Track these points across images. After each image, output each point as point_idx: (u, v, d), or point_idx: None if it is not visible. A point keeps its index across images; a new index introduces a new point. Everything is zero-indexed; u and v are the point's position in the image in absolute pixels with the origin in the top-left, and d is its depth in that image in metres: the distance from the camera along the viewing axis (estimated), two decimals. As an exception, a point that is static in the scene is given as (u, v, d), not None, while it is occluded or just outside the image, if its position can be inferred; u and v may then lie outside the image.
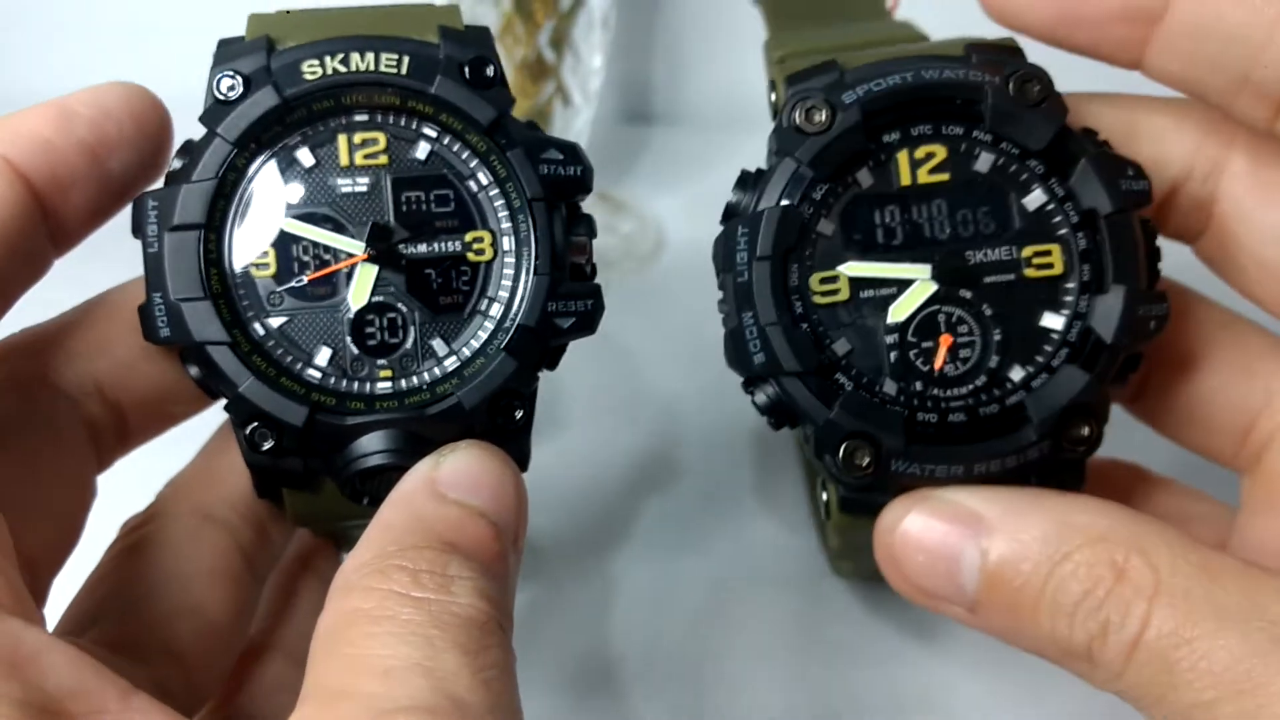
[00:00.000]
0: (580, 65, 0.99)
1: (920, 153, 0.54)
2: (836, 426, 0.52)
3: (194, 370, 0.52)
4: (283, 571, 0.62)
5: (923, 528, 0.50)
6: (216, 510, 0.55)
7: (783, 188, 0.53)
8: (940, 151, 0.54)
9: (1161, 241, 0.54)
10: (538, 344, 0.52)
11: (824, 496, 0.59)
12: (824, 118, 0.53)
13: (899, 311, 0.54)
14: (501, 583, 0.45)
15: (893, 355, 0.54)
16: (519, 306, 0.52)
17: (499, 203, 0.53)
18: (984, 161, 0.54)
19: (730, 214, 0.55)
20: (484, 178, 0.53)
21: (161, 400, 0.55)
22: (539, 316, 0.52)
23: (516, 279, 0.53)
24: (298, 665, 0.57)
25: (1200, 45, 0.49)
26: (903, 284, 0.54)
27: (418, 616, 0.41)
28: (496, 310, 0.53)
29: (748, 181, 0.55)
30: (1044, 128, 0.53)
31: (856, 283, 0.54)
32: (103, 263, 0.55)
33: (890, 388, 0.54)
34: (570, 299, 0.52)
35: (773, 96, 0.59)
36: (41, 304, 0.54)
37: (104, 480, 0.55)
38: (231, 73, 0.51)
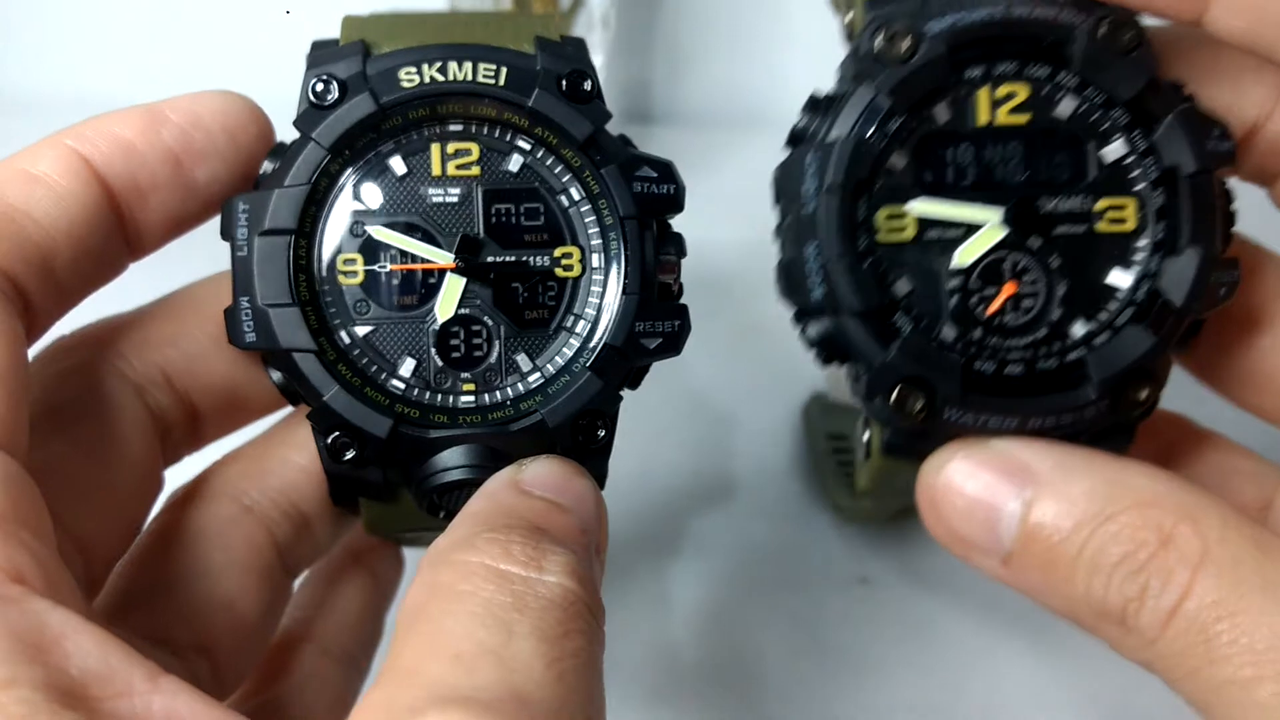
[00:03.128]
0: (580, 64, 0.98)
1: (1001, 91, 0.51)
2: (892, 370, 0.50)
3: (276, 376, 0.50)
4: (328, 563, 0.61)
5: (968, 474, 0.49)
6: (258, 503, 0.53)
7: (857, 117, 0.50)
8: (1022, 91, 0.51)
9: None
10: (623, 364, 0.51)
11: (865, 436, 0.56)
12: (907, 46, 0.50)
13: (965, 255, 0.51)
14: (591, 568, 0.44)
15: (954, 300, 0.51)
16: (606, 325, 0.51)
17: (590, 219, 0.51)
18: (1066, 106, 0.51)
19: (797, 139, 0.52)
20: (576, 193, 0.51)
21: (234, 396, 0.53)
22: (626, 336, 0.51)
23: (604, 297, 0.51)
24: (331, 659, 0.57)
25: (1269, 2, 0.46)
26: (971, 227, 0.51)
27: (500, 596, 0.40)
28: (583, 328, 0.52)
29: (818, 106, 0.52)
30: (1133, 77, 0.50)
31: (924, 222, 0.51)
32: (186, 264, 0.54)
33: (949, 333, 0.52)
34: (658, 319, 0.51)
35: (847, 18, 0.55)
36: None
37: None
38: (327, 77, 0.49)
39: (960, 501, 0.49)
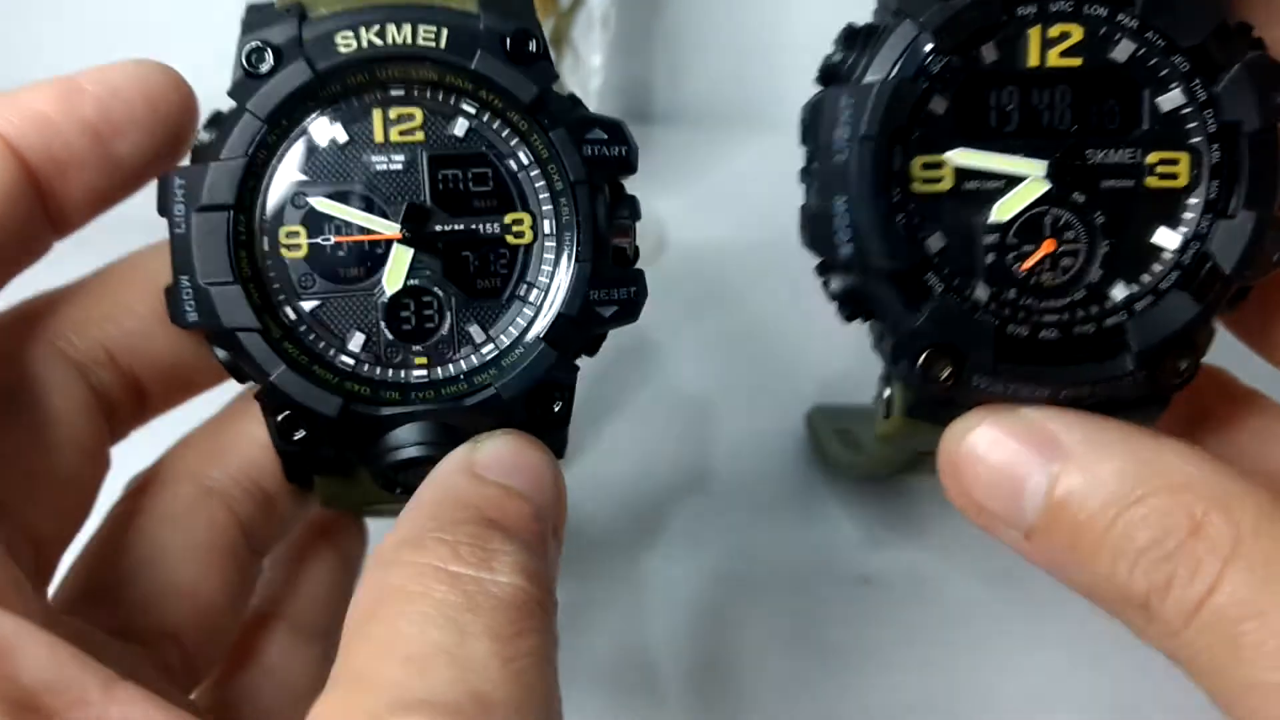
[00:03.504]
0: (580, 64, 0.97)
1: (1055, 31, 0.47)
2: (921, 335, 0.47)
3: (221, 354, 0.48)
4: (294, 541, 0.60)
5: (993, 442, 0.46)
6: (219, 482, 0.52)
7: (897, 56, 0.47)
8: (1077, 32, 0.47)
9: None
10: (579, 333, 0.49)
11: (887, 393, 0.53)
12: None
13: (1004, 210, 0.48)
14: (544, 562, 0.42)
15: (989, 257, 0.48)
16: (559, 294, 0.49)
17: (540, 184, 0.50)
18: (1123, 49, 0.48)
19: (829, 76, 0.49)
20: (525, 157, 0.50)
21: (180, 370, 0.52)
22: (580, 305, 0.49)
23: (557, 264, 0.50)
24: (304, 636, 0.56)
25: None
26: (1013, 179, 0.48)
27: (452, 596, 0.38)
28: (536, 296, 0.50)
29: (854, 39, 0.48)
30: (1200, 21, 0.46)
31: (962, 173, 0.48)
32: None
33: (982, 293, 0.48)
34: (613, 286, 0.49)
35: None
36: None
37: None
38: (261, 43, 0.47)
39: (984, 471, 0.47)
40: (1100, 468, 0.44)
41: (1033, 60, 0.48)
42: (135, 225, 0.51)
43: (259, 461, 0.53)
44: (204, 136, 0.48)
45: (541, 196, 0.50)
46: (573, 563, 0.73)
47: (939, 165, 0.48)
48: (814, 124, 0.49)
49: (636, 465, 0.79)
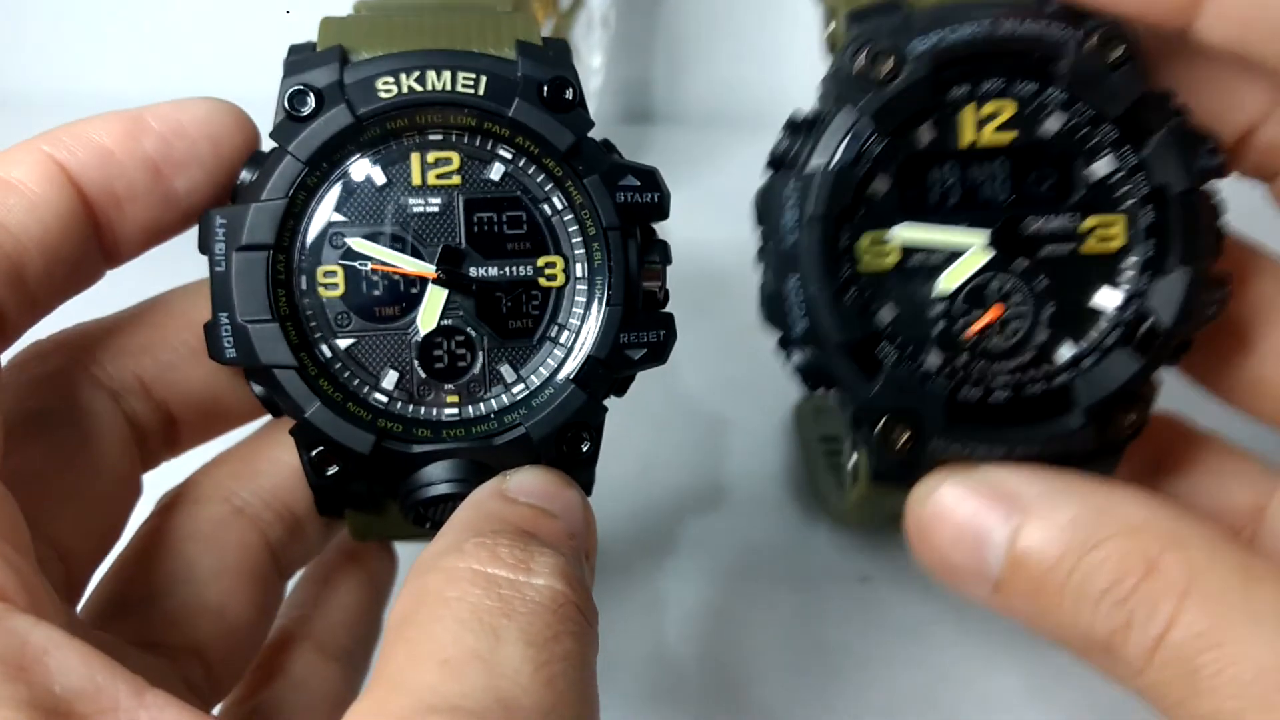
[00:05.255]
0: (580, 64, 0.96)
1: (987, 109, 0.50)
2: (877, 403, 0.49)
3: (258, 389, 0.49)
4: (323, 562, 0.60)
5: (955, 501, 0.48)
6: (249, 504, 0.53)
7: (838, 143, 0.49)
8: (1009, 109, 0.50)
9: (1226, 181, 0.51)
10: (608, 375, 0.50)
11: (852, 460, 0.55)
12: (890, 67, 0.48)
13: (950, 280, 0.50)
14: (581, 570, 0.43)
15: (939, 325, 0.50)
16: (590, 336, 0.50)
17: (573, 228, 0.50)
18: (1054, 123, 0.50)
19: (777, 162, 0.51)
20: (559, 202, 0.50)
21: (212, 405, 0.53)
22: (610, 347, 0.49)
23: (588, 307, 0.50)
24: (329, 656, 0.56)
25: (1260, 11, 0.45)
26: (956, 250, 0.50)
27: (487, 601, 0.39)
28: (566, 338, 0.50)
29: (799, 128, 0.50)
30: (1124, 93, 0.48)
31: (907, 248, 0.50)
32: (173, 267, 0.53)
33: (934, 360, 0.50)
34: (642, 329, 0.50)
35: (829, 28, 0.53)
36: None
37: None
38: (303, 87, 0.48)
39: (948, 530, 0.48)
40: (1057, 518, 0.46)
41: (968, 138, 0.50)
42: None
43: (290, 486, 0.53)
44: (245, 176, 0.49)
45: (574, 241, 0.50)
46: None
47: (885, 242, 0.50)
48: (765, 209, 0.51)
49: (636, 464, 0.79)
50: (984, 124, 0.50)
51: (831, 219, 0.49)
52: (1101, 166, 0.50)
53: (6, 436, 0.42)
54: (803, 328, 0.50)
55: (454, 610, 0.39)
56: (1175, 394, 0.55)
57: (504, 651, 0.38)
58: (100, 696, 0.36)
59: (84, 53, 1.06)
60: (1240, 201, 0.53)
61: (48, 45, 1.08)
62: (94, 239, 0.48)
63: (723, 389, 0.83)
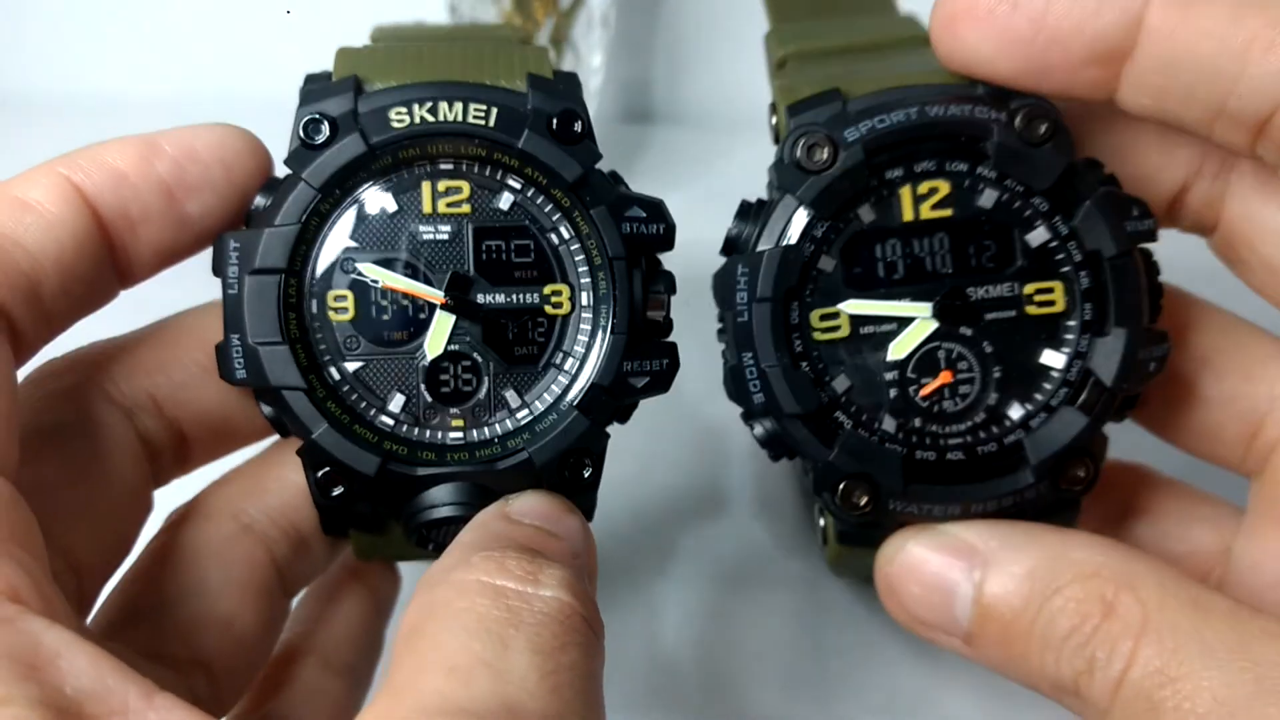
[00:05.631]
0: (580, 64, 0.96)
1: (923, 188, 0.52)
2: (835, 468, 0.51)
3: (267, 410, 0.50)
4: (328, 578, 0.61)
5: (919, 560, 0.50)
6: (257, 522, 0.53)
7: (783, 226, 0.51)
8: (944, 187, 0.52)
9: (1171, 235, 0.53)
10: (611, 403, 0.51)
11: (821, 523, 0.57)
12: (826, 155, 0.50)
13: (899, 349, 0.52)
14: (586, 584, 0.44)
15: (892, 392, 0.52)
16: (594, 364, 0.51)
17: (579, 258, 0.51)
18: (988, 198, 0.52)
19: (730, 246, 0.53)
20: (566, 232, 0.51)
21: (223, 424, 0.53)
22: (614, 376, 0.50)
23: (593, 335, 0.51)
24: (332, 671, 0.57)
25: (1172, 79, 0.47)
26: (903, 321, 0.52)
27: (495, 611, 0.40)
28: (571, 365, 0.51)
29: (748, 213, 0.53)
30: (1050, 167, 0.50)
31: (857, 320, 0.52)
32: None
33: (889, 424, 0.52)
34: (646, 358, 0.51)
35: (774, 120, 0.56)
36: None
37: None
38: (318, 115, 0.48)
39: (916, 588, 0.50)
40: (1016, 568, 0.48)
41: (907, 215, 0.52)
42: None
43: (296, 504, 0.54)
44: (259, 201, 0.49)
45: (580, 270, 0.51)
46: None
47: (835, 315, 0.52)
48: (721, 290, 0.53)
49: (635, 465, 0.79)
50: (921, 201, 0.52)
51: (780, 298, 0.51)
52: (1037, 235, 0.52)
53: (22, 450, 0.43)
54: (760, 401, 0.52)
55: (462, 620, 0.40)
56: (1137, 441, 0.57)
57: (512, 660, 0.38)
58: (110, 698, 0.37)
59: (84, 53, 1.06)
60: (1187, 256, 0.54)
61: (48, 46, 1.07)
62: (108, 259, 0.49)
63: (722, 390, 0.83)
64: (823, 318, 0.52)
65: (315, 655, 0.58)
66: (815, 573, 0.75)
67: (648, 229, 0.51)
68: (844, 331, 0.52)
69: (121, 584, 0.51)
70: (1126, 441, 0.55)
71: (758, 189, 0.54)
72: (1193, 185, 0.53)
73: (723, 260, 0.53)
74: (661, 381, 0.51)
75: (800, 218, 0.51)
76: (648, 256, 0.51)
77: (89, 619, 0.50)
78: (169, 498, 0.55)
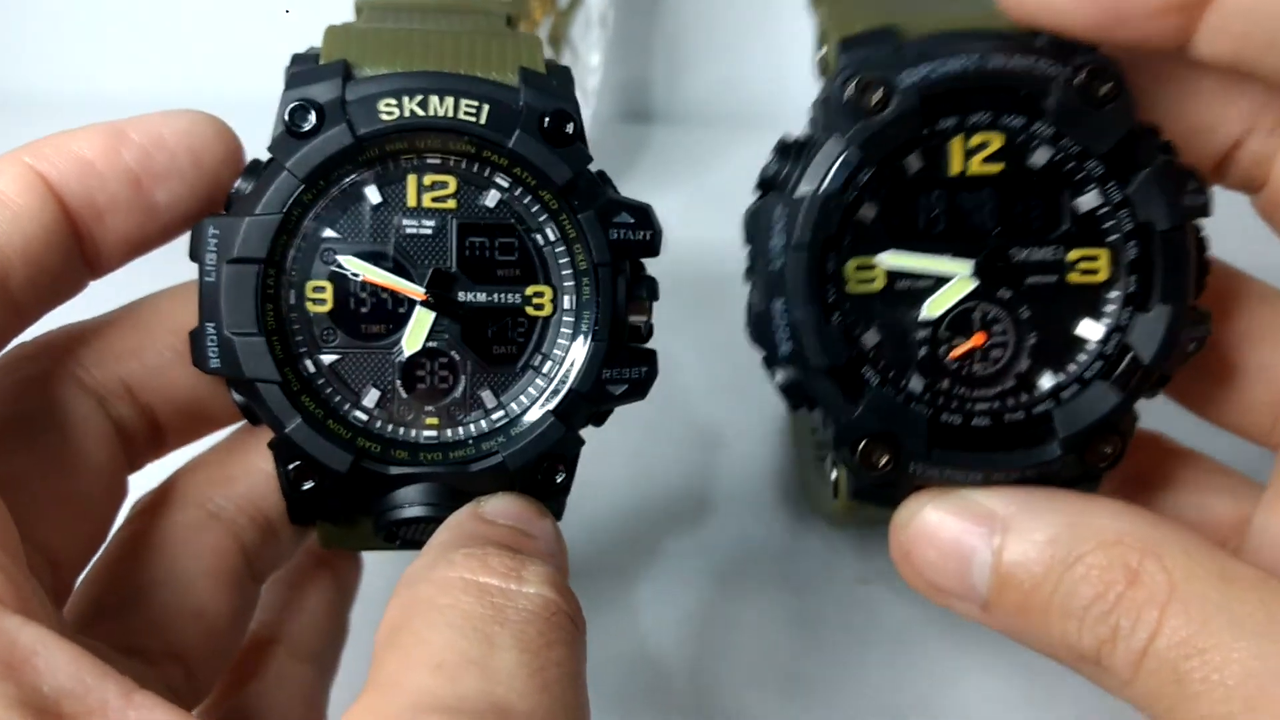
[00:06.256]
0: (579, 63, 0.95)
1: (975, 140, 0.50)
2: (857, 426, 0.50)
3: (239, 398, 0.49)
4: (292, 567, 0.60)
5: (937, 524, 0.49)
6: (224, 509, 0.53)
7: (825, 170, 0.49)
8: (996, 141, 0.50)
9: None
10: (588, 409, 0.50)
11: (834, 476, 0.56)
12: (879, 98, 0.48)
13: (935, 307, 0.50)
14: (567, 581, 0.44)
15: (922, 351, 0.51)
16: (573, 369, 0.50)
17: (564, 260, 0.50)
18: (1041, 156, 0.50)
19: (766, 185, 0.51)
20: (552, 234, 0.50)
21: (196, 408, 0.52)
22: (592, 383, 0.49)
23: (573, 339, 0.50)
24: (302, 660, 0.57)
25: (1256, 24, 0.45)
26: (941, 278, 0.50)
27: (479, 608, 0.40)
28: (550, 368, 0.50)
29: (788, 152, 0.50)
30: (1110, 130, 0.48)
31: (894, 274, 0.50)
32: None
33: (916, 384, 0.51)
34: (625, 366, 0.50)
35: (821, 50, 0.53)
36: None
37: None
38: (304, 102, 0.47)
39: (932, 553, 0.49)
40: (1037, 535, 0.46)
41: (956, 168, 0.50)
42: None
43: (264, 492, 0.53)
44: (241, 185, 0.48)
45: (564, 273, 0.50)
46: (571, 565, 0.74)
47: (871, 267, 0.50)
48: (753, 230, 0.51)
49: (634, 464, 0.79)
50: (972, 155, 0.50)
51: (817, 246, 0.49)
52: (1087, 200, 0.50)
53: None
54: (787, 349, 0.50)
55: (447, 617, 0.39)
56: (1158, 411, 0.55)
57: (498, 657, 0.38)
58: (88, 697, 0.36)
59: (84, 53, 1.05)
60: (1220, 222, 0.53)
61: (48, 46, 1.06)
62: (76, 250, 0.48)
63: (720, 389, 0.83)
64: (859, 268, 0.50)
65: (283, 644, 0.57)
66: (807, 574, 0.75)
67: (634, 235, 0.50)
68: (879, 285, 0.50)
69: (91, 577, 0.51)
70: (1142, 409, 0.53)
71: (747, 209, 0.53)
72: (1246, 141, 0.51)
73: (753, 210, 0.51)
74: (639, 389, 0.50)
75: (845, 162, 0.48)
76: (632, 262, 0.50)
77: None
78: (141, 482, 0.54)
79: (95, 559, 0.51)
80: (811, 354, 0.49)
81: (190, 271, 0.49)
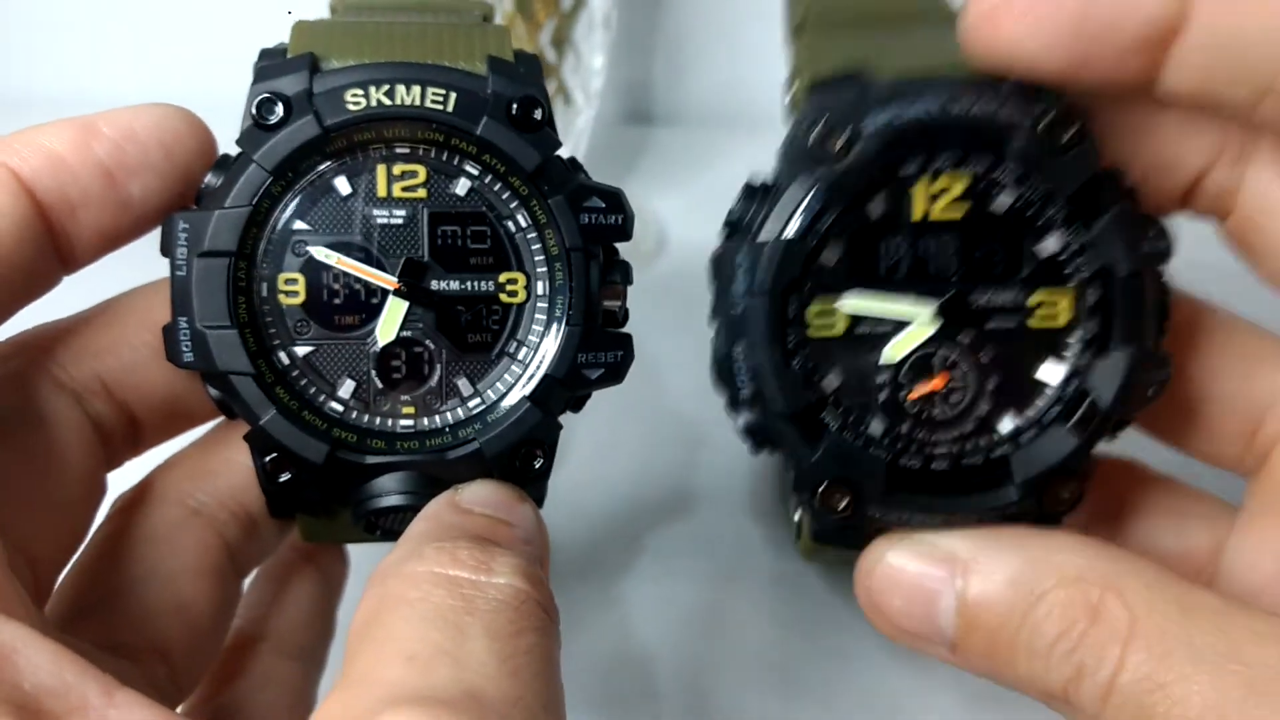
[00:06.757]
0: (581, 65, 0.96)
1: (939, 185, 0.50)
2: (818, 469, 0.50)
3: (214, 393, 0.49)
4: (277, 562, 0.60)
5: (899, 569, 0.48)
6: (205, 505, 0.52)
7: (789, 215, 0.49)
8: (959, 185, 0.50)
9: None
10: (564, 394, 0.50)
11: (796, 518, 0.56)
12: (842, 143, 0.48)
13: (895, 351, 0.51)
14: (540, 570, 0.43)
15: (883, 394, 0.51)
16: (548, 354, 0.50)
17: (536, 246, 0.50)
18: (1003, 201, 0.50)
19: (732, 228, 0.51)
20: (523, 220, 0.50)
21: (174, 404, 0.52)
22: (568, 368, 0.49)
23: (548, 325, 0.50)
24: (286, 657, 0.56)
25: (1219, 57, 0.45)
26: (901, 322, 0.51)
27: (450, 600, 0.39)
28: (525, 355, 0.50)
29: (754, 195, 0.50)
30: (1073, 175, 0.49)
31: (855, 318, 0.50)
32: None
33: (876, 427, 0.51)
34: (600, 350, 0.50)
35: (792, 89, 0.53)
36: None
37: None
38: (271, 95, 0.47)
39: (898, 600, 0.49)
40: (998, 575, 0.46)
41: (918, 213, 0.50)
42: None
43: (245, 486, 0.53)
44: (210, 180, 0.48)
45: (537, 259, 0.50)
46: (564, 564, 0.73)
47: (832, 312, 0.50)
48: (718, 272, 0.51)
49: (632, 464, 0.79)
50: (935, 198, 0.50)
51: (779, 292, 0.49)
52: (1049, 245, 0.50)
53: None
54: (749, 392, 0.50)
55: (418, 610, 0.39)
56: (1132, 437, 0.55)
57: (469, 646, 0.38)
58: (70, 695, 0.36)
59: (84, 53, 1.06)
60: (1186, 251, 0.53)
61: (48, 46, 1.08)
62: (49, 245, 0.47)
63: (707, 389, 0.83)
64: (820, 313, 0.50)
65: (269, 640, 0.57)
66: (797, 571, 0.74)
67: (606, 219, 0.50)
68: (840, 328, 0.51)
69: (72, 575, 0.51)
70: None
71: (712, 252, 0.53)
72: (1210, 172, 0.51)
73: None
74: (615, 373, 0.50)
75: (808, 207, 0.49)
76: (605, 246, 0.50)
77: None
78: (120, 480, 0.54)
79: (76, 557, 0.51)
80: (771, 399, 0.50)
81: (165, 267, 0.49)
